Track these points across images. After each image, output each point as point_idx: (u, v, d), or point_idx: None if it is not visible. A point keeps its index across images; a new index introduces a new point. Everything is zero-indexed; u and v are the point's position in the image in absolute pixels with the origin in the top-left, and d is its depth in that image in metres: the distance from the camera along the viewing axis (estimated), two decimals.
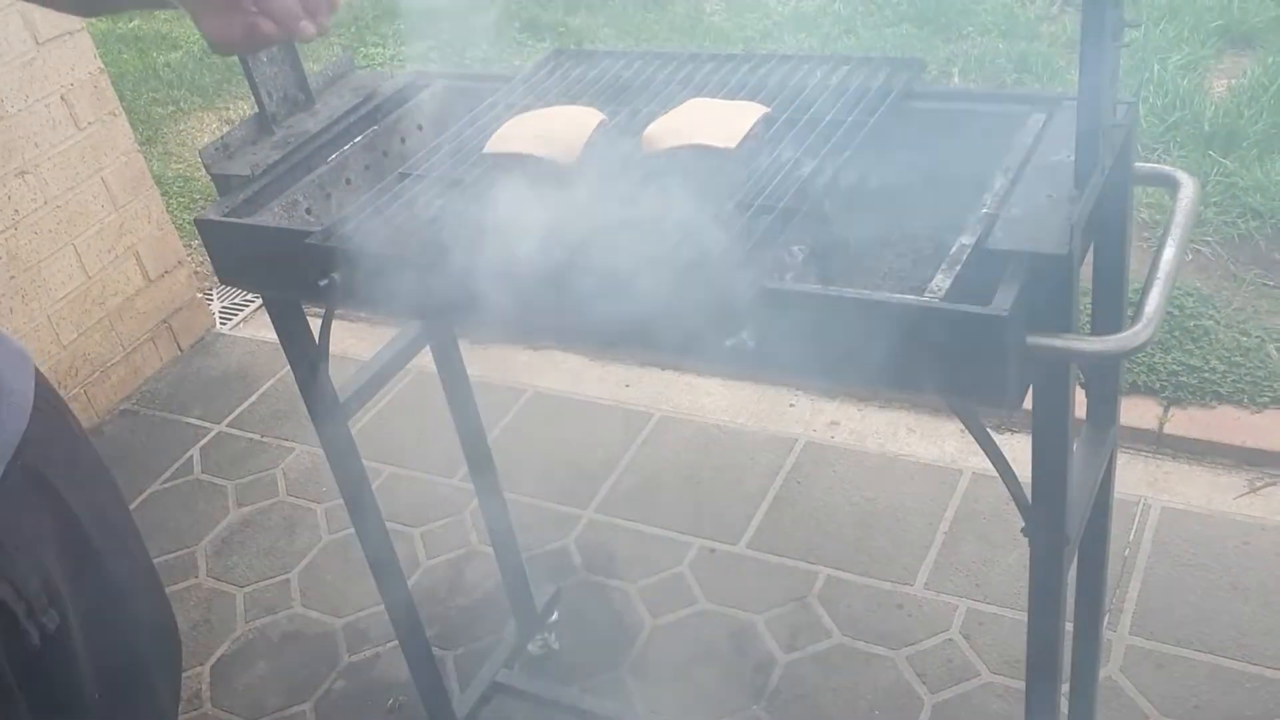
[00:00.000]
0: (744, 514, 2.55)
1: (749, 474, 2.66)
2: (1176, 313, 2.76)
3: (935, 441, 2.65)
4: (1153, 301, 1.09)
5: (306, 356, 1.64)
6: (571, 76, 1.55)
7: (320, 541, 2.72)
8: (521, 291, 1.21)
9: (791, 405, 2.86)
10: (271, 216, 1.46)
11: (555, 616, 2.38)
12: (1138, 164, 1.26)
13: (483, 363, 3.14)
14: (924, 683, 2.12)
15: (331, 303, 1.44)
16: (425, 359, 3.11)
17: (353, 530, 2.52)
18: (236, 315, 3.67)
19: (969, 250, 1.11)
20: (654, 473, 2.72)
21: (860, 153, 1.29)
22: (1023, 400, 1.11)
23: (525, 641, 2.32)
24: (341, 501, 2.33)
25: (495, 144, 1.37)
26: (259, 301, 3.72)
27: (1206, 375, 2.60)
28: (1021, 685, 1.42)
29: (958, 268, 1.09)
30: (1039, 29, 3.96)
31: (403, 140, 1.62)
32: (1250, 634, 2.09)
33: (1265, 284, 2.85)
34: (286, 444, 3.06)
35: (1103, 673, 2.06)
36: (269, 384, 3.30)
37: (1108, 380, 1.38)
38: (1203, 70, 3.56)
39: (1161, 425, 2.53)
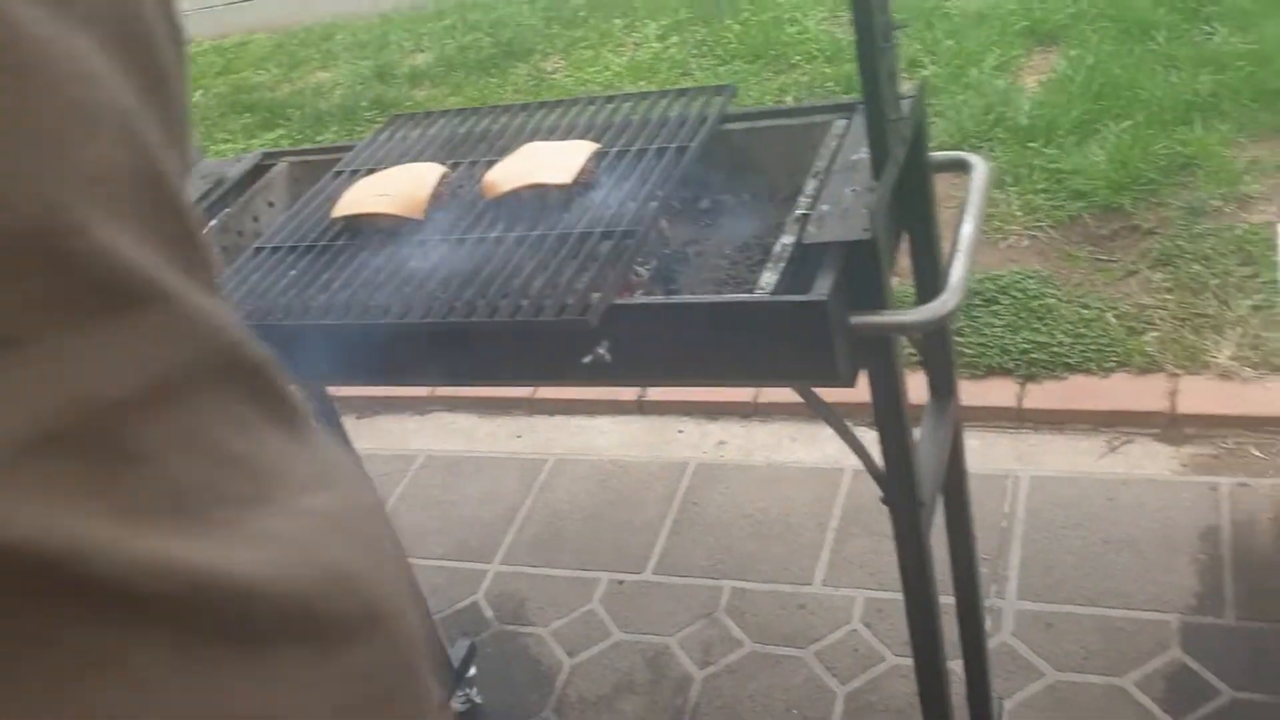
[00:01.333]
0: (646, 542, 2.62)
1: (646, 503, 2.73)
2: (1021, 295, 2.94)
3: (816, 446, 2.76)
4: (956, 273, 1.20)
5: None
6: (411, 138, 1.63)
7: None
8: (386, 340, 1.27)
9: (680, 432, 2.95)
10: None
11: (474, 671, 2.40)
12: (933, 153, 1.39)
13: (370, 435, 3.17)
14: (834, 675, 2.20)
15: None
16: None
17: None
18: None
19: (790, 248, 1.21)
20: (554, 516, 2.77)
21: (688, 174, 1.39)
22: (856, 377, 1.21)
23: (447, 700, 2.34)
24: None
25: (342, 208, 1.44)
26: None
27: (1055, 350, 2.76)
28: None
29: (782, 264, 1.19)
30: None
31: (255, 219, 1.67)
32: (1126, 582, 2.22)
33: (1098, 259, 3.05)
34: None
35: (996, 639, 2.17)
36: None
37: (940, 354, 1.49)
38: (1016, 69, 3.80)
39: (1020, 401, 2.69)
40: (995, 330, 2.85)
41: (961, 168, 1.38)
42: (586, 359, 1.19)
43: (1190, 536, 2.27)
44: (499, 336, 1.23)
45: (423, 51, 5.45)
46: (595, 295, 1.17)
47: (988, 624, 2.18)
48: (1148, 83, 3.50)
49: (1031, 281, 2.98)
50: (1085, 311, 2.85)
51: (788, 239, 1.22)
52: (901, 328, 1.16)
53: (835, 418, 1.27)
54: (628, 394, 3.07)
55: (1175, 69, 3.54)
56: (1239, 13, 3.70)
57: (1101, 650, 2.11)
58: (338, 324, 1.26)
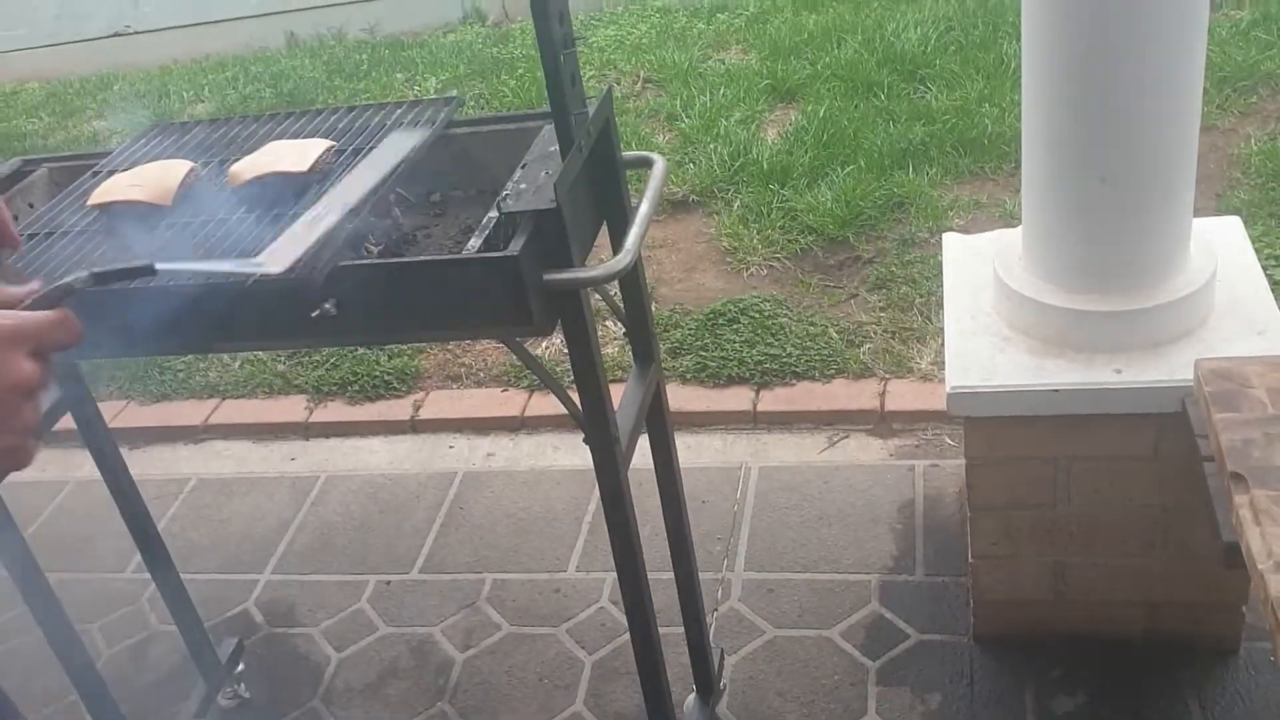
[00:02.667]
0: (414, 545, 2.77)
1: (415, 510, 2.88)
2: (759, 316, 3.26)
3: (577, 453, 2.98)
4: (630, 238, 1.45)
5: None
6: (167, 144, 1.78)
7: None
8: (133, 309, 1.42)
9: (451, 447, 3.13)
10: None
11: (241, 668, 2.49)
12: (625, 153, 1.65)
13: (141, 464, 3.21)
14: (583, 647, 2.41)
15: None
16: (81, 471, 3.16)
17: (24, 639, 2.55)
18: None
19: (494, 220, 1.43)
20: (325, 528, 2.89)
21: (416, 170, 1.60)
22: (553, 326, 1.43)
23: (214, 695, 2.42)
24: (13, 614, 2.39)
25: (97, 197, 1.58)
26: None
27: (785, 361, 3.09)
28: (667, 630, 1.69)
29: (486, 233, 1.42)
30: (627, 104, 4.51)
31: (15, 218, 1.78)
32: (834, 550, 2.53)
33: (826, 284, 3.42)
34: None
35: (726, 606, 2.43)
36: None
37: (639, 324, 1.74)
38: (759, 122, 4.20)
39: (755, 406, 2.99)
40: (735, 345, 3.16)
41: (646, 164, 1.64)
42: (314, 314, 1.38)
43: (890, 510, 2.60)
44: (237, 299, 1.39)
45: (203, 101, 5.50)
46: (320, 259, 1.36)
47: (719, 594, 2.45)
48: (870, 133, 3.94)
49: (768, 304, 3.31)
50: (812, 328, 3.20)
51: (493, 214, 1.44)
52: (585, 281, 1.39)
53: (539, 366, 1.49)
54: (401, 414, 3.22)
55: (893, 122, 4.00)
56: (947, 75, 4.21)
57: (813, 608, 2.39)
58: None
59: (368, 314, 1.41)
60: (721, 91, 4.38)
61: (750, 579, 2.49)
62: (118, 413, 3.40)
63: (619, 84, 4.71)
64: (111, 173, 1.70)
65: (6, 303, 0.85)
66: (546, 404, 3.15)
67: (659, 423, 1.85)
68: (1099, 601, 2.18)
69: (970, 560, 2.20)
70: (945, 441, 2.82)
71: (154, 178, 1.58)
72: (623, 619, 2.43)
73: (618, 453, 1.55)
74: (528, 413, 3.15)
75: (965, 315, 2.17)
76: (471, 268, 1.36)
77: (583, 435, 1.54)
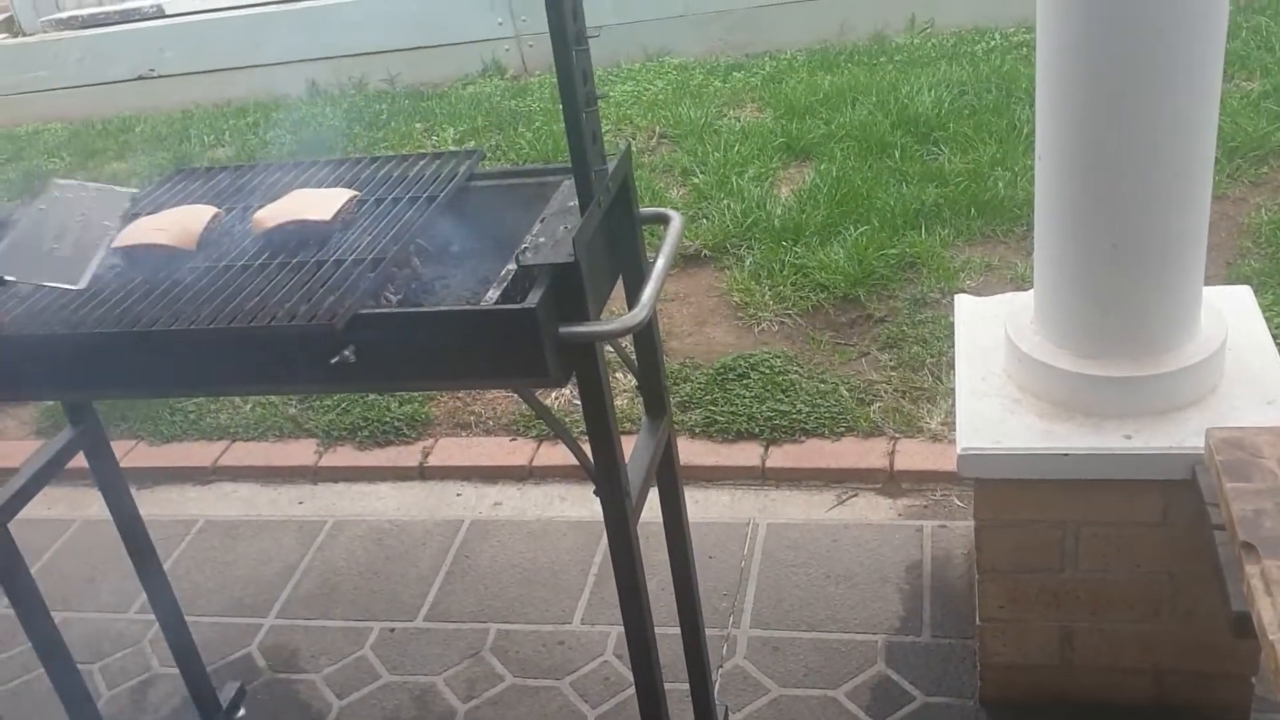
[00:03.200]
0: (419, 593, 2.77)
1: (421, 558, 2.88)
2: (769, 372, 3.27)
3: (584, 504, 2.98)
4: (646, 294, 1.47)
5: None
6: (192, 188, 1.81)
7: None
8: (154, 350, 1.44)
9: (458, 495, 3.13)
10: None
11: (242, 713, 2.48)
12: (642, 209, 1.67)
13: (149, 504, 3.21)
14: (586, 701, 2.39)
15: None
16: (90, 510, 3.17)
17: (25, 678, 2.56)
18: None
19: (512, 273, 1.45)
20: (331, 573, 2.88)
21: (437, 220, 1.62)
22: (568, 378, 1.45)
23: None
24: (15, 652, 2.40)
25: (122, 239, 1.60)
26: None
27: (795, 417, 3.10)
28: (672, 686, 1.68)
29: (504, 285, 1.43)
30: (642, 158, 4.56)
31: None
32: (842, 609, 2.52)
33: (836, 342, 3.43)
34: None
35: (731, 663, 2.42)
36: None
37: (652, 377, 1.76)
38: (772, 179, 4.24)
39: (764, 461, 2.99)
40: (745, 401, 3.17)
41: (662, 221, 1.67)
42: (334, 359, 1.39)
43: (898, 570, 2.59)
44: (257, 343, 1.41)
45: (224, 146, 5.57)
46: (341, 306, 1.37)
47: (724, 650, 2.44)
48: (883, 194, 3.98)
49: (778, 360, 3.32)
50: (823, 385, 3.21)
51: (511, 266, 1.46)
52: (601, 335, 1.41)
53: (553, 417, 1.50)
54: (409, 460, 3.23)
55: (906, 182, 4.04)
56: (961, 138, 4.25)
57: (819, 668, 2.37)
58: (109, 334, 1.42)
59: (385, 361, 1.42)
60: (736, 148, 4.43)
61: (756, 636, 2.48)
62: (127, 452, 3.41)
63: (635, 139, 4.76)
64: (135, 216, 1.73)
65: None
66: (555, 454, 3.15)
67: (669, 477, 1.86)
68: (1106, 668, 2.16)
69: (978, 623, 2.19)
70: (954, 503, 2.81)
71: (178, 222, 1.61)
72: (627, 673, 2.42)
73: (628, 506, 1.55)
74: (536, 462, 3.15)
75: (976, 377, 2.17)
76: (489, 319, 1.37)
77: (592, 487, 1.55)
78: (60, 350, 1.47)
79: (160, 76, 6.32)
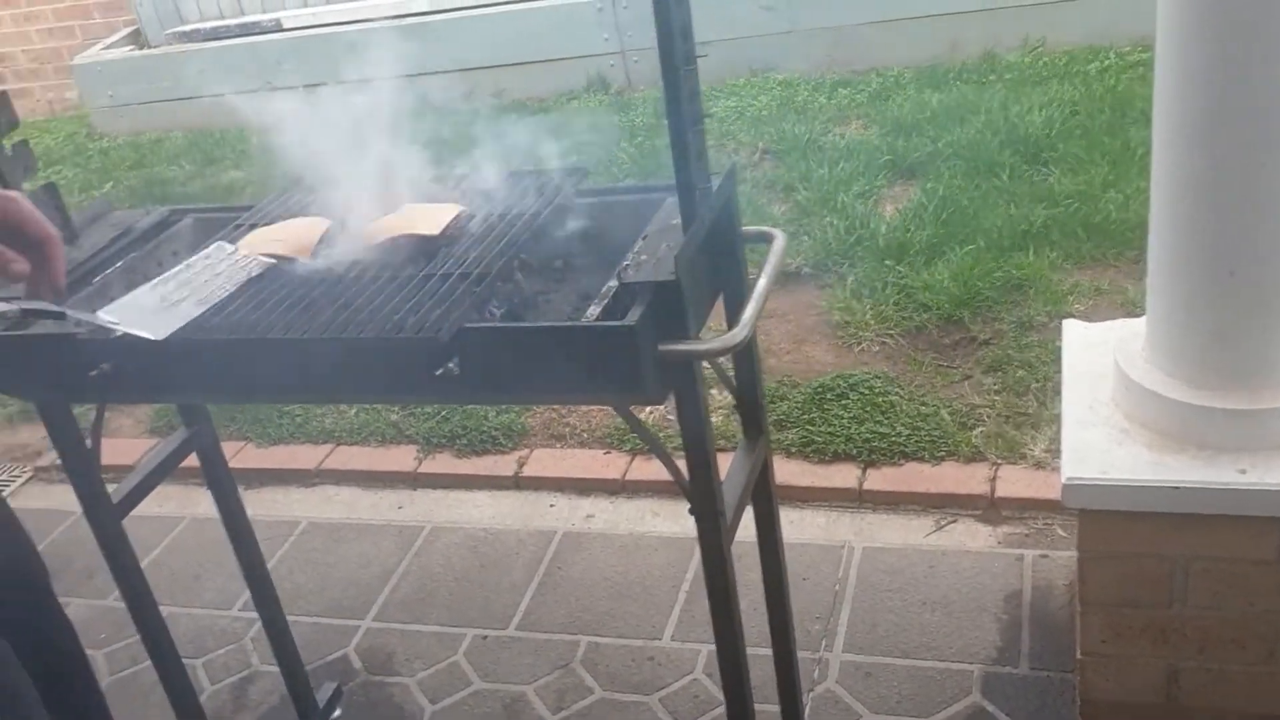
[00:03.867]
0: (512, 601, 2.79)
1: (514, 567, 2.91)
2: (869, 392, 3.23)
3: (676, 520, 2.98)
4: (747, 312, 1.47)
5: (80, 459, 1.82)
6: (305, 201, 1.86)
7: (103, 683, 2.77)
8: (271, 357, 1.48)
9: (551, 506, 3.15)
10: (43, 329, 1.68)
11: (338, 714, 2.53)
12: (745, 228, 1.67)
13: (254, 504, 3.30)
14: (674, 718, 2.39)
15: (103, 394, 1.66)
16: (198, 508, 3.27)
17: (133, 670, 2.65)
18: (4, 490, 3.69)
19: (613, 289, 1.46)
20: (427, 578, 2.93)
21: (542, 236, 1.64)
22: (665, 395, 1.45)
23: None
24: (122, 645, 2.48)
25: (241, 249, 1.66)
26: (26, 476, 3.76)
27: (894, 440, 3.05)
28: (762, 708, 1.68)
29: (605, 301, 1.45)
30: (745, 174, 4.56)
31: (160, 264, 1.88)
32: (937, 637, 2.47)
33: (939, 364, 3.38)
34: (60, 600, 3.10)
35: (822, 687, 2.39)
36: (40, 546, 3.33)
37: (750, 398, 1.75)
38: (876, 197, 4.20)
39: (861, 484, 2.96)
40: (843, 421, 3.14)
41: (766, 239, 1.66)
42: (439, 371, 1.42)
43: (996, 599, 2.54)
44: (366, 352, 1.45)
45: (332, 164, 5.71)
46: (446, 319, 1.40)
47: (815, 673, 2.41)
48: (990, 214, 3.91)
49: (879, 381, 3.28)
50: (923, 408, 3.16)
51: (613, 283, 1.47)
52: (701, 354, 1.41)
53: (650, 434, 1.51)
54: (505, 470, 3.27)
55: (1014, 203, 3.96)
56: (1071, 158, 4.16)
57: (912, 695, 2.33)
58: (223, 340, 1.47)
59: (487, 374, 1.44)
60: (840, 165, 4.40)
61: (848, 661, 2.45)
62: (236, 453, 3.51)
63: (738, 154, 4.76)
64: (253, 226, 1.79)
65: None
66: (648, 469, 3.16)
67: (764, 497, 1.85)
68: (1214, 710, 2.08)
69: (1079, 657, 2.13)
70: (1056, 532, 2.74)
71: (294, 233, 1.66)
72: (716, 692, 2.41)
73: (723, 526, 1.55)
74: (629, 476, 3.16)
75: (1083, 405, 2.12)
76: (589, 335, 1.38)
77: (685, 504, 1.55)
78: (179, 355, 1.52)
79: (276, 89, 6.51)
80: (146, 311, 1.54)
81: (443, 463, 3.35)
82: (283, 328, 1.47)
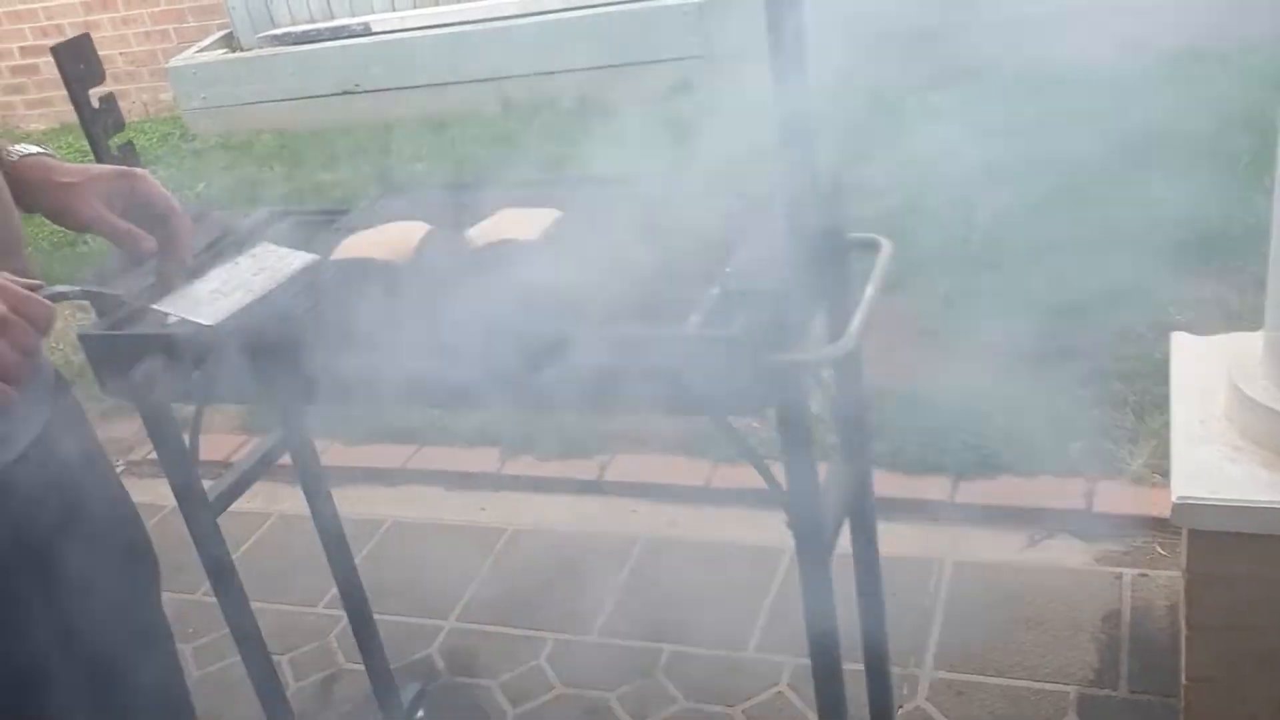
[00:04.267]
0: (594, 606, 2.78)
1: (597, 572, 2.90)
2: (960, 403, 3.16)
3: (761, 530, 2.93)
4: (854, 322, 1.43)
5: (179, 457, 1.84)
6: (401, 205, 1.86)
7: (190, 678, 2.82)
8: (381, 363, 1.48)
9: (634, 511, 3.14)
10: (147, 328, 1.70)
11: (422, 715, 2.53)
12: (851, 234, 1.63)
13: (341, 502, 3.31)
14: None
15: (205, 394, 1.67)
16: (285, 505, 3.30)
17: (222, 664, 2.68)
18: None
19: (714, 297, 1.43)
20: (510, 580, 2.93)
21: (637, 240, 1.62)
22: (767, 407, 1.42)
23: None
24: (210, 640, 2.51)
25: (341, 252, 1.66)
26: (119, 469, 3.84)
27: (987, 451, 2.98)
28: None
29: (707, 309, 1.42)
30: None
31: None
32: (1031, 656, 2.40)
33: (1034, 375, 3.29)
34: None
35: (911, 704, 2.34)
36: None
37: (851, 410, 1.71)
38: (969, 203, 4.12)
39: (953, 496, 2.89)
40: (934, 431, 3.07)
41: (872, 246, 1.62)
42: (534, 378, 1.40)
43: (1094, 619, 2.46)
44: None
45: (421, 160, 5.77)
46: None
47: (904, 689, 2.36)
48: (1085, 218, 3.80)
49: (971, 390, 3.20)
50: (1018, 419, 3.07)
51: (715, 290, 1.44)
52: (806, 364, 1.38)
53: (748, 448, 1.47)
54: (588, 474, 3.26)
55: (1111, 208, 3.85)
56: (1171, 165, 4.03)
57: (1006, 715, 2.27)
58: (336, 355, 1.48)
59: (582, 382, 1.42)
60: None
61: (939, 679, 2.39)
62: (323, 451, 3.52)
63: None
64: (351, 229, 1.79)
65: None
66: (731, 475, 3.12)
67: (863, 510, 1.80)
68: None
69: (1184, 682, 2.06)
70: (1156, 550, 2.65)
71: (392, 238, 1.66)
72: (802, 705, 2.37)
73: (824, 543, 1.51)
74: (712, 483, 3.13)
75: (1194, 420, 2.04)
76: (692, 345, 1.36)
77: (768, 513, 1.51)
78: (279, 357, 1.53)
79: (365, 91, 6.60)
80: (200, 302, 1.58)
81: (525, 465, 3.35)
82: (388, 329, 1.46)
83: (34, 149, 1.48)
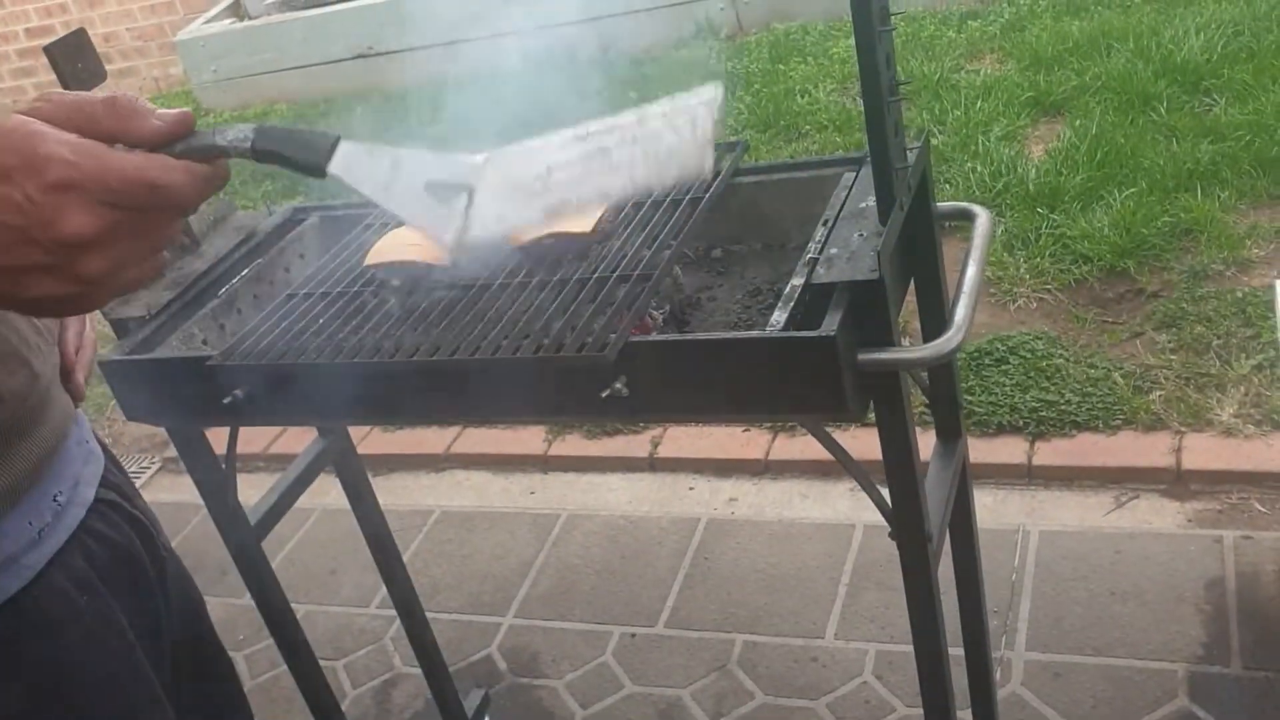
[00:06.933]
0: (658, 596, 2.65)
1: (658, 558, 2.76)
2: (1030, 356, 2.98)
3: (828, 503, 2.79)
4: (960, 312, 1.26)
5: (214, 480, 1.71)
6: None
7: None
8: (413, 379, 1.33)
9: (690, 489, 2.99)
10: (170, 350, 1.56)
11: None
12: (940, 204, 1.45)
13: (385, 492, 3.19)
14: None
15: (237, 420, 1.53)
16: (327, 498, 3.19)
17: (273, 673, 2.56)
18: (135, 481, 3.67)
19: (799, 289, 1.26)
20: (567, 570, 2.80)
21: (701, 225, 1.45)
22: (865, 410, 1.26)
23: None
24: (262, 646, 2.38)
25: (373, 257, 1.50)
26: (155, 467, 3.73)
27: (1063, 408, 2.81)
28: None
29: (791, 305, 1.25)
30: None
31: (287, 269, 1.74)
32: (1131, 632, 2.25)
33: (1104, 320, 3.11)
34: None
35: (1006, 689, 2.19)
36: (174, 543, 3.30)
37: (946, 397, 1.54)
38: (1022, 138, 3.90)
39: (1030, 459, 2.72)
40: (1005, 389, 2.90)
41: (966, 217, 1.45)
42: (604, 393, 1.24)
43: (1196, 588, 2.30)
44: (522, 373, 1.28)
45: (440, 124, 5.58)
46: (612, 334, 1.22)
47: (997, 674, 2.21)
48: (1149, 152, 3.58)
49: (1040, 342, 3.03)
50: (1092, 371, 2.90)
51: (797, 281, 1.28)
52: (908, 364, 1.21)
53: (849, 458, 1.32)
54: (639, 451, 3.11)
55: (1176, 139, 3.63)
56: (1238, 85, 3.79)
57: (1109, 699, 2.12)
58: (366, 364, 1.32)
59: (658, 392, 1.27)
60: (978, 105, 4.09)
61: (1033, 660, 2.24)
62: (362, 438, 3.42)
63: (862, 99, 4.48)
64: (384, 226, 1.63)
65: (141, 140, 0.81)
66: (792, 447, 2.97)
67: (960, 492, 1.64)
68: None
69: None
70: (1255, 508, 2.48)
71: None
72: (890, 696, 2.24)
73: (930, 552, 1.36)
74: (772, 456, 2.97)
75: None
76: (781, 347, 1.19)
77: (841, 489, 1.36)
78: (320, 379, 1.38)
79: (379, 54, 6.40)
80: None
81: (573, 444, 3.21)
82: (428, 349, 1.31)
83: None
